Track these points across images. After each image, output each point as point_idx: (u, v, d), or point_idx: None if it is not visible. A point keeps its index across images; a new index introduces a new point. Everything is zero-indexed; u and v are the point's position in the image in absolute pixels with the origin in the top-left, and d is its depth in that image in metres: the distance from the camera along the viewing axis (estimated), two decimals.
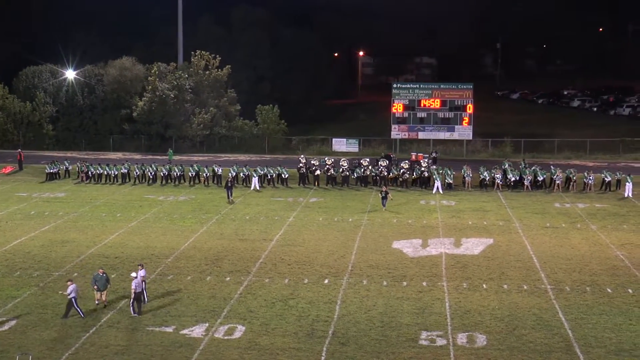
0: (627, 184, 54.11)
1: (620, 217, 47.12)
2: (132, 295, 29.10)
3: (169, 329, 27.55)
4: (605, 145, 76.81)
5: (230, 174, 58.29)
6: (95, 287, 29.71)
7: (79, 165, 62.07)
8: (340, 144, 78.25)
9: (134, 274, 29.56)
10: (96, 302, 29.74)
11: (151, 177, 60.16)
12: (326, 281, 33.37)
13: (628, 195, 53.44)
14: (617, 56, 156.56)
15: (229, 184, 52.61)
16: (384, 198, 48.88)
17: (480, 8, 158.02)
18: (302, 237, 41.65)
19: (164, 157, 72.09)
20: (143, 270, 30.42)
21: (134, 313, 28.94)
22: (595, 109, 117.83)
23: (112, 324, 28.05)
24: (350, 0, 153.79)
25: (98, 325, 27.90)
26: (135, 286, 29.02)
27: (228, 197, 51.77)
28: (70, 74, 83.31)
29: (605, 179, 56.48)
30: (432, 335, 26.98)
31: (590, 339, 26.61)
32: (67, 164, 63.44)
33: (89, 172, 60.91)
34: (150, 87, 79.66)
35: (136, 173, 60.54)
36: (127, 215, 47.73)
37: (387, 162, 61.17)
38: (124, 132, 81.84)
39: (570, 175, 57.03)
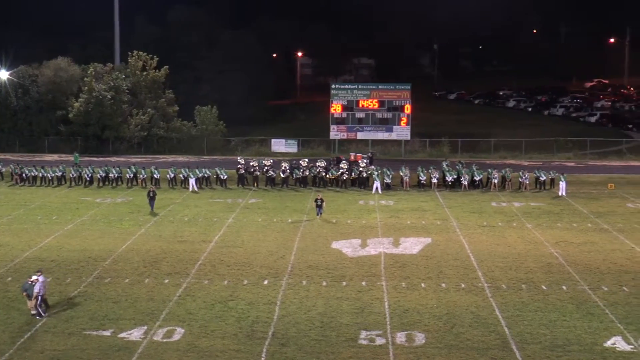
0: (560, 182, 55.16)
1: (555, 215, 47.99)
2: (39, 299, 28.57)
3: (107, 333, 27.23)
4: (540, 145, 78.18)
5: (166, 178, 57.89)
6: (25, 293, 28.99)
7: (13, 167, 60.95)
8: (279, 145, 78.25)
9: (35, 277, 28.95)
10: (32, 312, 28.95)
11: (88, 179, 59.35)
12: (266, 282, 33.34)
13: (562, 194, 54.47)
14: (551, 57, 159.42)
15: (151, 194, 49.53)
16: (319, 207, 46.81)
17: (417, 9, 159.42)
18: (241, 239, 41.54)
19: (102, 159, 71.16)
20: (42, 276, 29.59)
21: (44, 314, 28.55)
22: (530, 109, 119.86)
23: (48, 329, 27.61)
24: (287, 1, 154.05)
25: (33, 330, 27.45)
26: (39, 289, 28.51)
27: (151, 208, 49.05)
28: (2, 75, 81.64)
29: (540, 178, 57.48)
30: (372, 334, 27.14)
31: (526, 335, 27.06)
32: None
33: (23, 174, 59.87)
34: (86, 88, 78.68)
35: (72, 175, 59.71)
36: (64, 218, 47.03)
37: (325, 162, 61.17)
38: (60, 133, 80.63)
39: (506, 175, 57.91)
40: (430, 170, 58.67)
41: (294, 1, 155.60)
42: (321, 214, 46.74)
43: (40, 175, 59.65)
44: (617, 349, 25.86)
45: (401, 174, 58.56)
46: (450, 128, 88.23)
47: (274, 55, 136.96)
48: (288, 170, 58.76)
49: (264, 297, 31.26)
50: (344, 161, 62.12)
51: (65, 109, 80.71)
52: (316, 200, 47.30)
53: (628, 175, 64.24)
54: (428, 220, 46.57)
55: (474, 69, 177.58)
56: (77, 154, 69.38)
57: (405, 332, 27.32)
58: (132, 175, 59.08)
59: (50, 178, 59.41)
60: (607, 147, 79.73)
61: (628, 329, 27.57)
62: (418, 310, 29.55)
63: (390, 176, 57.84)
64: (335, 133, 74.86)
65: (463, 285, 32.87)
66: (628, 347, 26.02)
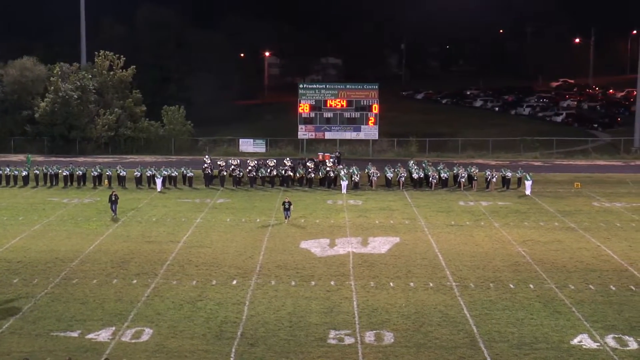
0: (526, 181, 55.62)
1: (522, 214, 48.37)
2: None
3: (74, 334, 27.02)
4: (506, 144, 78.78)
5: (132, 178, 57.52)
6: None
7: None
8: (247, 145, 78.16)
9: None
10: None
11: (52, 174, 58.69)
12: (234, 282, 33.28)
13: (527, 193, 54.90)
14: (517, 57, 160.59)
15: (113, 198, 47.79)
16: (287, 210, 45.85)
17: (385, 9, 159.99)
18: (209, 239, 41.42)
19: (68, 159, 70.51)
20: None
21: None
22: (497, 108, 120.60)
23: (15, 330, 27.34)
24: (255, 1, 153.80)
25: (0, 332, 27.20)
26: None
27: (113, 212, 47.46)
28: None
29: (506, 176, 57.89)
30: (341, 334, 27.18)
31: (494, 333, 27.24)
32: None
33: None
34: (52, 87, 78.02)
35: (36, 173, 59.04)
36: (30, 218, 46.58)
37: (292, 162, 61.12)
38: (26, 133, 79.88)
39: (472, 174, 58.24)
40: (397, 169, 58.91)
41: (262, 1, 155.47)
42: (289, 217, 45.75)
43: (6, 173, 58.90)
44: (584, 347, 26.12)
45: (367, 172, 58.76)
46: (418, 127, 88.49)
47: (242, 55, 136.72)
48: (254, 170, 58.63)
49: (232, 297, 31.20)
50: (311, 160, 62.14)
51: (31, 109, 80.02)
52: (284, 203, 46.27)
53: (594, 174, 64.97)
54: (396, 219, 46.72)
55: (441, 69, 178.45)
56: (29, 156, 68.35)
57: (374, 332, 27.39)
58: (96, 174, 58.54)
59: (15, 176, 58.72)
60: (573, 147, 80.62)
61: (594, 327, 27.85)
62: (387, 310, 29.64)
63: (358, 175, 57.97)
64: (304, 133, 74.90)
65: (431, 284, 33.03)
66: (594, 345, 26.29)
